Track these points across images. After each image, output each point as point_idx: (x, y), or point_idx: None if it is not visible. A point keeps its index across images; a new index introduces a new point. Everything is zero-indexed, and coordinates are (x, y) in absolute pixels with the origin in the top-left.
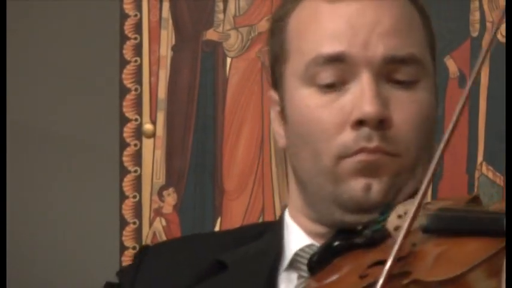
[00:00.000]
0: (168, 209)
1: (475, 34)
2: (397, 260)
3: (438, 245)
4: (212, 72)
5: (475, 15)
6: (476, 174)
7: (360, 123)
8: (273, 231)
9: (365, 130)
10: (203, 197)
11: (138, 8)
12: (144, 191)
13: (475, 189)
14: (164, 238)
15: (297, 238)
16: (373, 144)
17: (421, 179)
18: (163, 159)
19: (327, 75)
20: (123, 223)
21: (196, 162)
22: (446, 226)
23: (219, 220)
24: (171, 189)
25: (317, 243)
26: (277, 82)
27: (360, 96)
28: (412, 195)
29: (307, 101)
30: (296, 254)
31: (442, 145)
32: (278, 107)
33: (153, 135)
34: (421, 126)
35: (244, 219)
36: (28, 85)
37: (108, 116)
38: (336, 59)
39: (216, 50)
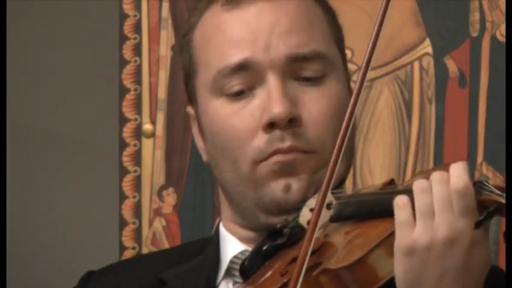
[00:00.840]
0: (167, 209)
1: (474, 34)
2: (313, 253)
3: (346, 232)
4: None
5: (475, 16)
6: (476, 174)
7: (270, 125)
8: (211, 244)
9: (277, 132)
10: (203, 197)
11: (138, 8)
12: (144, 191)
13: None
14: (164, 238)
15: (231, 246)
16: (286, 144)
17: (342, 172)
18: (163, 159)
19: (234, 84)
20: (123, 223)
21: (196, 162)
22: (352, 213)
23: (218, 220)
24: (170, 189)
25: (250, 248)
26: (191, 97)
27: (268, 99)
28: (335, 187)
29: (218, 111)
30: (231, 262)
31: (340, 138)
32: (196, 121)
33: (152, 135)
34: (334, 119)
35: None
36: (28, 85)
37: (107, 116)
38: (240, 68)
39: None
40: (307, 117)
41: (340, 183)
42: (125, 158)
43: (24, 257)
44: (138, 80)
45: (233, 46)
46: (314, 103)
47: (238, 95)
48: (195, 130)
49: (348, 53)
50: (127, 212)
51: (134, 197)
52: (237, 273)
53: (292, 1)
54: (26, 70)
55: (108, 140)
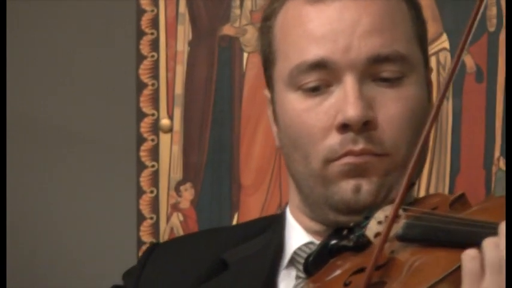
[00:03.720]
0: (185, 204)
1: (492, 29)
2: (377, 268)
3: (413, 254)
4: (229, 67)
5: (492, 10)
6: (494, 169)
7: (344, 126)
8: (274, 227)
9: (350, 133)
10: (220, 192)
11: (155, 3)
12: (162, 186)
13: (492, 184)
14: (181, 233)
15: (296, 235)
16: (359, 146)
17: (413, 180)
18: (180, 154)
19: (311, 80)
20: (141, 218)
21: (214, 157)
22: (421, 236)
23: (236, 215)
24: (188, 184)
25: (316, 241)
26: (268, 82)
27: (344, 99)
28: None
29: (293, 105)
30: (295, 252)
31: (417, 149)
32: (271, 106)
33: (170, 130)
34: (410, 122)
35: (261, 214)
36: (45, 82)
37: (125, 111)
38: (318, 65)
39: (232, 45)
40: (382, 119)
41: (410, 188)
42: (142, 153)
43: (42, 252)
44: (155, 75)
45: (313, 42)
46: (390, 105)
47: (314, 91)
48: (270, 113)
49: None
50: (145, 207)
51: (152, 192)
52: (300, 266)
53: None
54: (44, 67)
55: (126, 135)
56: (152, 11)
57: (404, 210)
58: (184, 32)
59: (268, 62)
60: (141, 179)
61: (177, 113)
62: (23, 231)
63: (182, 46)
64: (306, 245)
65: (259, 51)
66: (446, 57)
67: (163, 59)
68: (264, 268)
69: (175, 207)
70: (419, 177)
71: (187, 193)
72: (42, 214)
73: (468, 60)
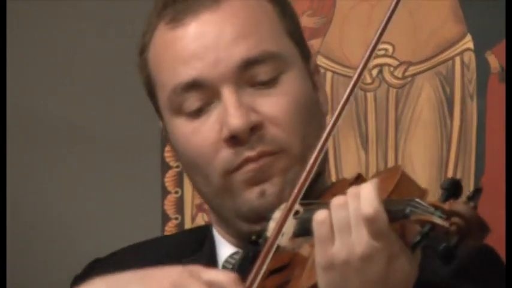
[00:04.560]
0: None
1: None
2: (281, 268)
3: (312, 245)
4: None
5: None
6: None
7: (232, 138)
8: (208, 243)
9: (241, 142)
10: None
11: None
12: (186, 186)
13: None
14: None
15: (224, 248)
16: (255, 151)
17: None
18: None
19: (190, 103)
20: (165, 218)
21: None
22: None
23: None
24: None
25: (240, 250)
26: (158, 114)
27: (224, 112)
28: (314, 179)
29: (180, 129)
30: (223, 264)
31: (317, 150)
32: (167, 137)
33: None
34: (297, 115)
35: None
36: (72, 83)
37: (150, 112)
38: (193, 85)
39: None
40: (268, 119)
41: (316, 178)
42: (167, 154)
43: (67, 252)
44: None
45: (181, 65)
46: (273, 104)
47: (197, 112)
48: (169, 144)
49: (389, 47)
50: (169, 208)
51: (176, 192)
52: None
53: (234, 6)
54: (73, 69)
55: (150, 136)
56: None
57: (302, 204)
58: None
59: (151, 94)
60: (166, 179)
61: None
62: (47, 232)
63: None
64: (232, 256)
65: (143, 85)
66: (470, 57)
67: None
68: None
69: (200, 208)
70: (323, 166)
71: None
72: (67, 216)
73: (492, 61)
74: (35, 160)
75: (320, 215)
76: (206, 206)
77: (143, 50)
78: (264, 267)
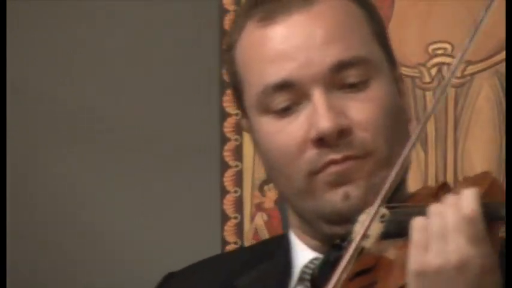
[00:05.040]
0: (269, 204)
1: None
2: (366, 271)
3: (400, 248)
4: None
5: None
6: None
7: (320, 140)
8: (282, 249)
9: (328, 144)
10: None
11: (238, 3)
12: (245, 186)
13: None
14: (265, 233)
15: (302, 253)
16: (340, 154)
17: (398, 178)
18: None
19: (279, 102)
20: (225, 218)
21: None
22: (400, 230)
23: None
24: (272, 184)
25: (320, 255)
26: (242, 112)
27: (314, 113)
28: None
29: (267, 128)
30: (302, 270)
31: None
32: (251, 135)
33: None
34: (384, 121)
35: None
36: (133, 84)
37: (209, 111)
38: (283, 86)
39: None
40: (356, 124)
41: (399, 186)
42: (226, 153)
43: (125, 254)
44: None
45: (271, 65)
46: (361, 108)
47: (285, 111)
48: (253, 143)
49: (448, 46)
50: (228, 207)
51: (236, 191)
52: (308, 283)
53: (326, 8)
54: (130, 68)
55: (209, 135)
56: (235, 10)
57: (388, 208)
58: None
59: (238, 92)
60: (225, 178)
61: None
62: (106, 236)
63: None
64: (311, 261)
65: (230, 81)
66: None
67: None
68: None
69: (259, 207)
70: (406, 173)
71: (271, 193)
72: (126, 217)
73: None
74: (91, 162)
75: (419, 222)
76: (265, 206)
77: (231, 47)
78: (349, 269)
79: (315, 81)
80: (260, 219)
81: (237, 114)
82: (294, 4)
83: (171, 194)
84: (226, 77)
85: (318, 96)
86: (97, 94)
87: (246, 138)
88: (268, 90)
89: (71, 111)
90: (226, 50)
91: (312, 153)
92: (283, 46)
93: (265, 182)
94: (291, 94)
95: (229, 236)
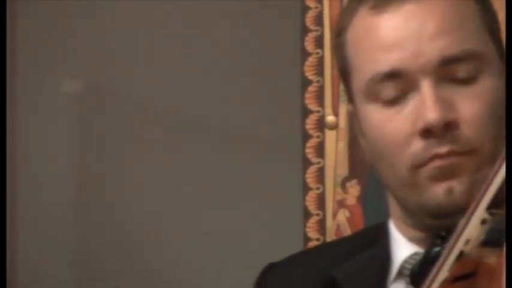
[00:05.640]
0: (351, 200)
1: None
2: (466, 277)
3: (498, 256)
4: None
5: None
6: None
7: (426, 131)
8: (380, 242)
9: (434, 136)
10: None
11: (319, 0)
12: (327, 182)
13: None
14: (348, 230)
15: (401, 247)
16: (445, 148)
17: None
18: (346, 151)
19: (387, 91)
20: (307, 215)
21: None
22: (503, 239)
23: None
24: (354, 181)
25: (420, 250)
26: (349, 97)
27: (422, 105)
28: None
29: (373, 116)
30: (402, 264)
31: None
32: (356, 120)
33: (335, 126)
34: (490, 117)
35: None
36: (215, 82)
37: (290, 108)
38: (392, 75)
39: None
40: (463, 118)
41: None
42: (308, 150)
43: (206, 251)
44: (320, 72)
45: (382, 52)
46: (470, 103)
47: (393, 101)
48: (356, 128)
49: None
50: (311, 204)
51: (318, 188)
52: (408, 278)
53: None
54: (215, 66)
55: (291, 131)
56: (316, 7)
57: (490, 214)
58: None
59: (345, 77)
60: (307, 175)
61: (343, 109)
62: (187, 235)
63: None
64: (412, 256)
65: (337, 67)
66: None
67: (328, 55)
68: (374, 283)
69: (341, 204)
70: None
71: (353, 189)
72: (206, 214)
73: None
74: (172, 161)
75: None
76: (347, 202)
77: (341, 32)
78: (447, 271)
79: (424, 72)
80: (342, 215)
81: (318, 111)
82: None
83: (253, 192)
84: (308, 74)
85: (426, 87)
86: (180, 93)
87: (328, 135)
88: (377, 78)
89: (152, 110)
90: (337, 35)
91: (417, 146)
92: (394, 35)
93: (347, 179)
94: (399, 83)
95: (312, 232)
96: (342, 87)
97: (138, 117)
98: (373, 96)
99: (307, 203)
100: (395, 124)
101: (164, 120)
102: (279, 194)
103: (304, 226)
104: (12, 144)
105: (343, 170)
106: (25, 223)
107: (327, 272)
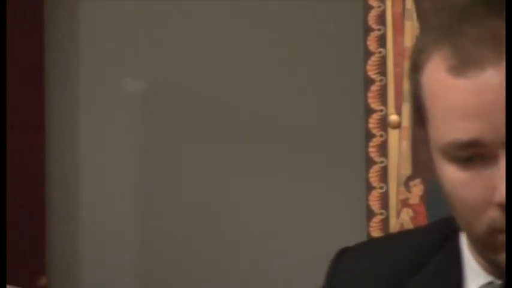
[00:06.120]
0: (415, 199)
1: None
2: None
3: None
4: None
5: None
6: None
7: (503, 204)
8: (449, 251)
9: None
10: None
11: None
12: (391, 182)
13: None
14: None
15: (475, 274)
16: None
17: None
18: (409, 150)
19: (464, 155)
20: (370, 214)
21: None
22: None
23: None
24: (417, 180)
25: (496, 281)
26: (421, 122)
27: (499, 176)
28: None
29: (450, 174)
30: None
31: None
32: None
33: (398, 125)
34: None
35: None
36: (280, 82)
37: (353, 108)
38: (470, 145)
39: None
40: None
41: None
42: (371, 149)
43: (276, 251)
44: (382, 71)
45: (462, 120)
46: None
47: (469, 162)
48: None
49: None
50: (374, 203)
51: (381, 187)
52: None
53: None
54: (278, 65)
55: (354, 131)
56: (379, 6)
57: None
58: (411, 28)
59: (418, 113)
60: (370, 174)
61: (405, 108)
62: (251, 232)
63: (409, 42)
64: (486, 285)
65: (410, 88)
66: None
67: (391, 54)
68: None
69: (404, 203)
70: None
71: (417, 189)
72: (270, 213)
73: None
74: (237, 159)
75: None
76: (410, 201)
77: (416, 69)
78: None
79: (503, 147)
80: (406, 215)
81: (381, 111)
82: (487, 59)
83: (316, 191)
84: (370, 73)
85: (504, 160)
86: (245, 93)
87: (391, 134)
88: (455, 144)
89: (217, 109)
90: (412, 70)
91: (494, 214)
92: (474, 102)
93: (410, 178)
94: (477, 150)
95: (375, 232)
96: (405, 86)
97: (202, 116)
98: (449, 157)
99: (371, 202)
100: (472, 190)
101: (230, 119)
102: (342, 194)
103: (368, 225)
104: (75, 146)
105: (407, 169)
106: (89, 223)
107: (398, 275)
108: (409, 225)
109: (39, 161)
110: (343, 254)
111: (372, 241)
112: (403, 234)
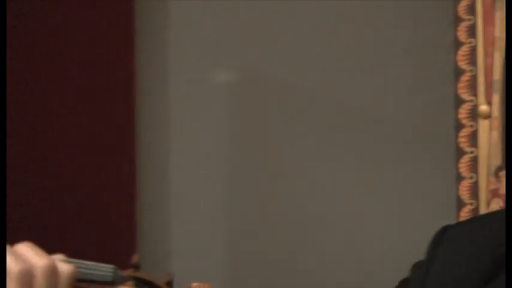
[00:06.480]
0: (504, 189)
1: None
2: None
3: None
4: None
5: None
6: None
7: None
8: None
9: None
10: None
11: (472, 12)
12: (481, 172)
13: None
14: None
15: None
16: None
17: None
18: (499, 140)
19: None
20: (460, 204)
21: None
22: None
23: None
24: None
25: None
26: None
27: None
28: None
29: None
30: None
31: None
32: None
33: (488, 116)
34: None
35: None
36: (365, 74)
37: (443, 98)
38: None
39: None
40: None
41: None
42: (461, 139)
43: (366, 244)
44: (473, 61)
45: None
46: None
47: None
48: None
49: None
50: (464, 193)
51: (471, 178)
52: None
53: None
54: (372, 61)
55: (444, 121)
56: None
57: None
58: (502, 18)
59: None
60: (460, 165)
61: (496, 99)
62: (336, 222)
63: (500, 32)
64: None
65: None
66: None
67: (481, 45)
68: None
69: (495, 193)
70: None
71: None
72: (358, 204)
73: None
74: (328, 151)
75: None
76: (501, 191)
77: None
78: None
79: None
80: (496, 205)
81: (471, 101)
82: None
83: (406, 182)
84: (460, 64)
85: None
86: (334, 84)
87: (481, 125)
88: None
89: (307, 100)
90: None
91: None
92: None
93: (500, 168)
94: None
95: None
96: (495, 76)
97: (292, 108)
98: None
99: (461, 193)
100: None
101: (320, 111)
102: (432, 184)
103: (458, 215)
104: (165, 138)
105: (497, 159)
106: (179, 217)
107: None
108: None
109: (129, 153)
110: (446, 230)
111: (473, 218)
112: (502, 212)
